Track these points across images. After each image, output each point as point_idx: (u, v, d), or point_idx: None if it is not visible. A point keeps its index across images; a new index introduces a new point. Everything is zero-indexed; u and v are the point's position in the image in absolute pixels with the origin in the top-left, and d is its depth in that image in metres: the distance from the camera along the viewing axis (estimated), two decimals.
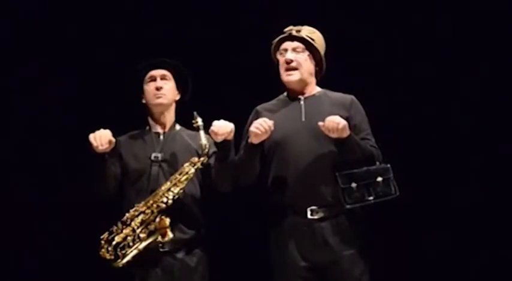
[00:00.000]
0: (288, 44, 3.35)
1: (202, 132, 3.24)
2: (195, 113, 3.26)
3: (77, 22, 4.25)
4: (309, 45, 3.35)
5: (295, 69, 3.32)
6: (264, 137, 3.18)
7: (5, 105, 4.21)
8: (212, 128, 3.20)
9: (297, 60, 3.32)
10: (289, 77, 3.34)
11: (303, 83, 3.36)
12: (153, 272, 3.24)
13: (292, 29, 3.36)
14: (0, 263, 4.11)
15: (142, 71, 3.41)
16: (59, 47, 4.24)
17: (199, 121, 3.24)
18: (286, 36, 3.36)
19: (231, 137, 3.23)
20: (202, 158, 3.25)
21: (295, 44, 3.34)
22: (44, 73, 4.23)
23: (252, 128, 3.17)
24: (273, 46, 3.41)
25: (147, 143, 3.38)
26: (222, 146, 3.23)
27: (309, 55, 3.35)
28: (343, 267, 3.20)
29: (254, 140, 3.19)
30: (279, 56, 3.38)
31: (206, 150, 3.24)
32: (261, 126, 3.16)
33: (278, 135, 3.24)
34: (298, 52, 3.33)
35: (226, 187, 3.33)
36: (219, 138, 3.20)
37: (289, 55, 3.33)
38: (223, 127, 3.20)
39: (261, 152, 3.28)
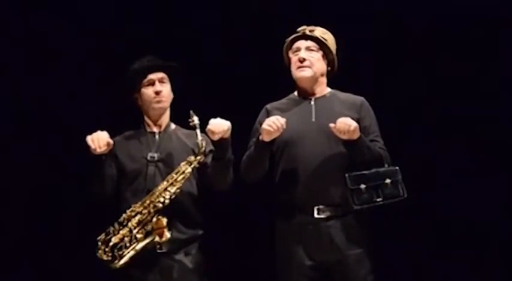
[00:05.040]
0: (301, 43, 3.37)
1: (198, 131, 3.21)
2: (191, 111, 3.23)
3: (76, 21, 4.22)
4: (322, 45, 3.36)
5: (308, 67, 3.33)
6: (276, 135, 3.18)
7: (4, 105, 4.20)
8: (209, 126, 3.19)
9: (310, 59, 3.33)
10: (302, 73, 3.34)
11: (315, 81, 3.37)
12: (151, 273, 3.22)
13: (305, 29, 3.37)
14: None
15: (140, 74, 3.37)
16: (58, 47, 4.22)
17: (196, 120, 3.21)
18: (299, 35, 3.37)
19: (227, 135, 3.21)
20: (198, 157, 3.24)
21: (309, 43, 3.36)
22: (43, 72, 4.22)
23: (265, 126, 3.17)
24: (285, 44, 3.41)
25: (143, 143, 3.36)
26: (219, 145, 3.21)
27: (322, 55, 3.36)
28: (349, 267, 3.21)
29: (266, 138, 3.19)
30: (291, 55, 3.39)
31: (203, 148, 3.22)
32: (273, 124, 3.16)
33: (288, 134, 3.24)
34: (312, 51, 3.35)
35: (223, 186, 3.32)
36: (216, 137, 3.18)
37: (303, 54, 3.34)
38: (219, 126, 3.18)
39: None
